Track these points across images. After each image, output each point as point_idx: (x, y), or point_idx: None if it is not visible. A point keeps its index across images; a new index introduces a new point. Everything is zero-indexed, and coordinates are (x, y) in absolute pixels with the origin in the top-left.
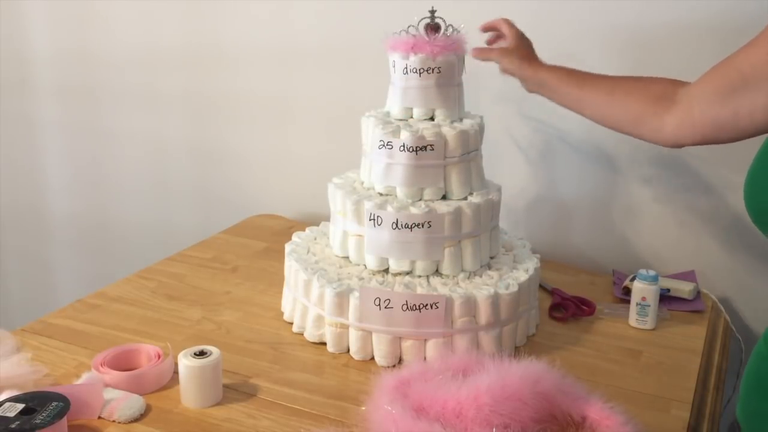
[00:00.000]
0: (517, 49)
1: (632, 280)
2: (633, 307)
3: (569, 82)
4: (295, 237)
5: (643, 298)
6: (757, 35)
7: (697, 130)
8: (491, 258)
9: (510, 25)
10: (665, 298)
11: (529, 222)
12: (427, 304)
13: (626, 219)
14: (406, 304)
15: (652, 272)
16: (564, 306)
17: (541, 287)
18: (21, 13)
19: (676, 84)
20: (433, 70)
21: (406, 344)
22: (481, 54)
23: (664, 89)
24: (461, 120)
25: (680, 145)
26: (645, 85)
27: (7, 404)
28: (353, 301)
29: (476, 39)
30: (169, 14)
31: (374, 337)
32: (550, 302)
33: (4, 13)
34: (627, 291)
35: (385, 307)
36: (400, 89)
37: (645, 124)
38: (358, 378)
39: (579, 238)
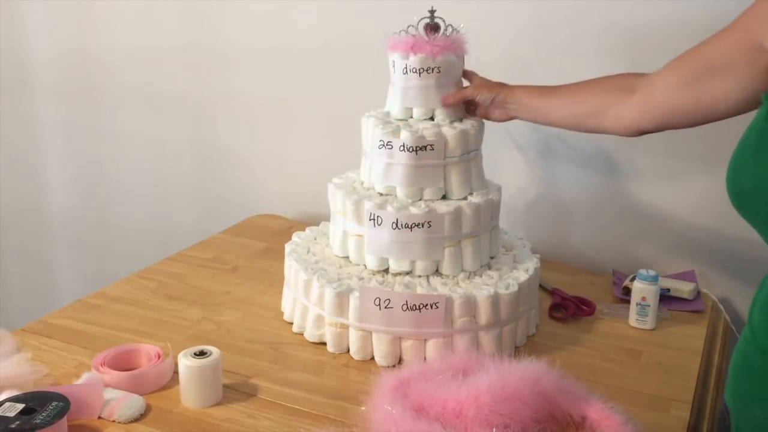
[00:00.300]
0: (486, 81)
1: (632, 280)
2: (633, 307)
3: (537, 95)
4: (295, 237)
5: (643, 298)
6: (727, 26)
7: (657, 115)
8: (491, 258)
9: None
10: (665, 298)
11: (528, 222)
12: (427, 304)
13: (626, 219)
14: (406, 304)
15: (652, 272)
16: (564, 306)
17: (541, 287)
18: (21, 13)
19: (636, 75)
20: (432, 69)
21: (406, 344)
22: (456, 96)
23: (624, 80)
24: (461, 120)
25: (640, 132)
26: (605, 80)
27: (7, 404)
28: (353, 301)
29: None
30: (169, 14)
31: (374, 337)
32: (550, 302)
33: (4, 13)
34: (627, 291)
35: (385, 307)
36: (400, 89)
37: (606, 115)
38: (358, 378)
39: (579, 238)
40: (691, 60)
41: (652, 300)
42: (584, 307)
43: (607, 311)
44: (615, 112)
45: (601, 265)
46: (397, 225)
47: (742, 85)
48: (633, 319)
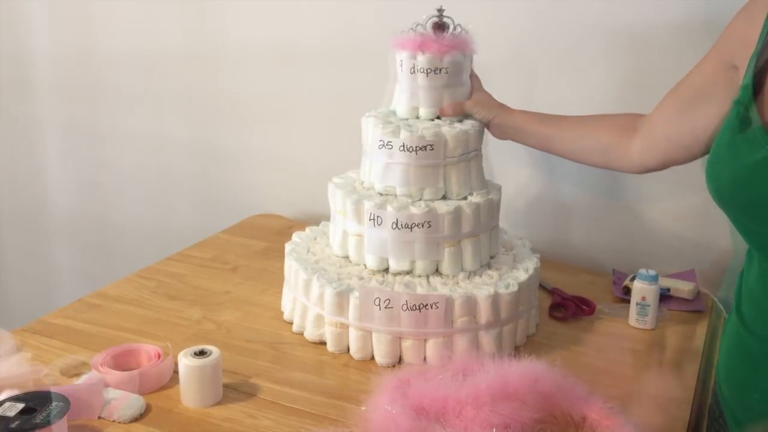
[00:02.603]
0: (487, 99)
1: (632, 279)
2: (633, 307)
3: (540, 123)
4: (295, 237)
5: (643, 298)
6: (707, 52)
7: (659, 151)
8: (491, 258)
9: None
10: (665, 297)
11: (528, 221)
12: (427, 304)
13: (626, 218)
14: (406, 304)
15: (652, 272)
16: (564, 306)
17: (541, 287)
18: (21, 13)
19: (638, 115)
20: (440, 70)
21: (406, 344)
22: (454, 109)
23: (627, 120)
24: (462, 120)
25: (647, 170)
26: (609, 119)
27: (7, 404)
28: (353, 300)
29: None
30: (170, 14)
31: (374, 336)
32: (550, 302)
33: (4, 13)
34: (627, 291)
35: (385, 307)
36: (408, 89)
37: (612, 153)
38: (358, 378)
39: (579, 238)
40: (681, 91)
41: (652, 300)
42: (584, 307)
43: (607, 311)
44: (621, 150)
45: (600, 264)
46: (397, 225)
47: (728, 105)
48: (633, 319)
